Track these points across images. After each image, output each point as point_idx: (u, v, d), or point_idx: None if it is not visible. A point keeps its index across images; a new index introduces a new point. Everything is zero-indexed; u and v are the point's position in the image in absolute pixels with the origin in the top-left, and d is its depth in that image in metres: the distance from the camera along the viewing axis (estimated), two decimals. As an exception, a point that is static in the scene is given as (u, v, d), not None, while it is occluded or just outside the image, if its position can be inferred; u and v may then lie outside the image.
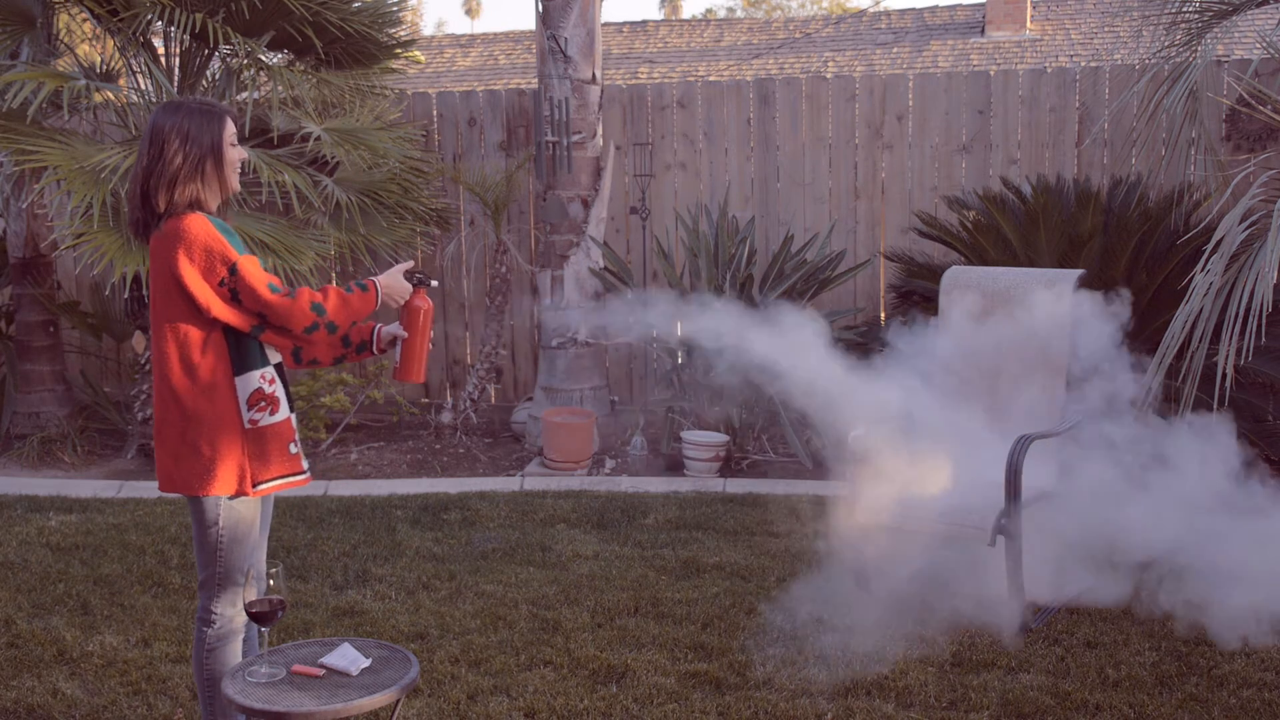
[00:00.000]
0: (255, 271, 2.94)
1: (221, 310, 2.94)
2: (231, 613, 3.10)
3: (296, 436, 3.11)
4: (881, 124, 7.36)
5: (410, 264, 3.21)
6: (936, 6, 17.43)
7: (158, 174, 2.96)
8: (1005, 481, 4.17)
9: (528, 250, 7.81)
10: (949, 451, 4.89)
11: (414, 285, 3.18)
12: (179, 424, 2.98)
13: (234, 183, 3.08)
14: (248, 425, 2.99)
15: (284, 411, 3.06)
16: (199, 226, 2.93)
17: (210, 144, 3.00)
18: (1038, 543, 4.90)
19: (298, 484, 3.12)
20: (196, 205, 2.99)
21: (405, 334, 3.17)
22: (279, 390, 3.05)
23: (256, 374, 2.99)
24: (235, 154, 3.06)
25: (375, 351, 3.25)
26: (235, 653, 3.13)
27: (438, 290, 8.02)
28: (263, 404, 3.00)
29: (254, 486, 3.01)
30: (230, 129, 3.05)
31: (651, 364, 7.38)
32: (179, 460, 3.00)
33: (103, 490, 6.30)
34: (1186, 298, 5.00)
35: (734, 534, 5.39)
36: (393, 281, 3.13)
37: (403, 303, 3.15)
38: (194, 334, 2.96)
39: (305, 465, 3.15)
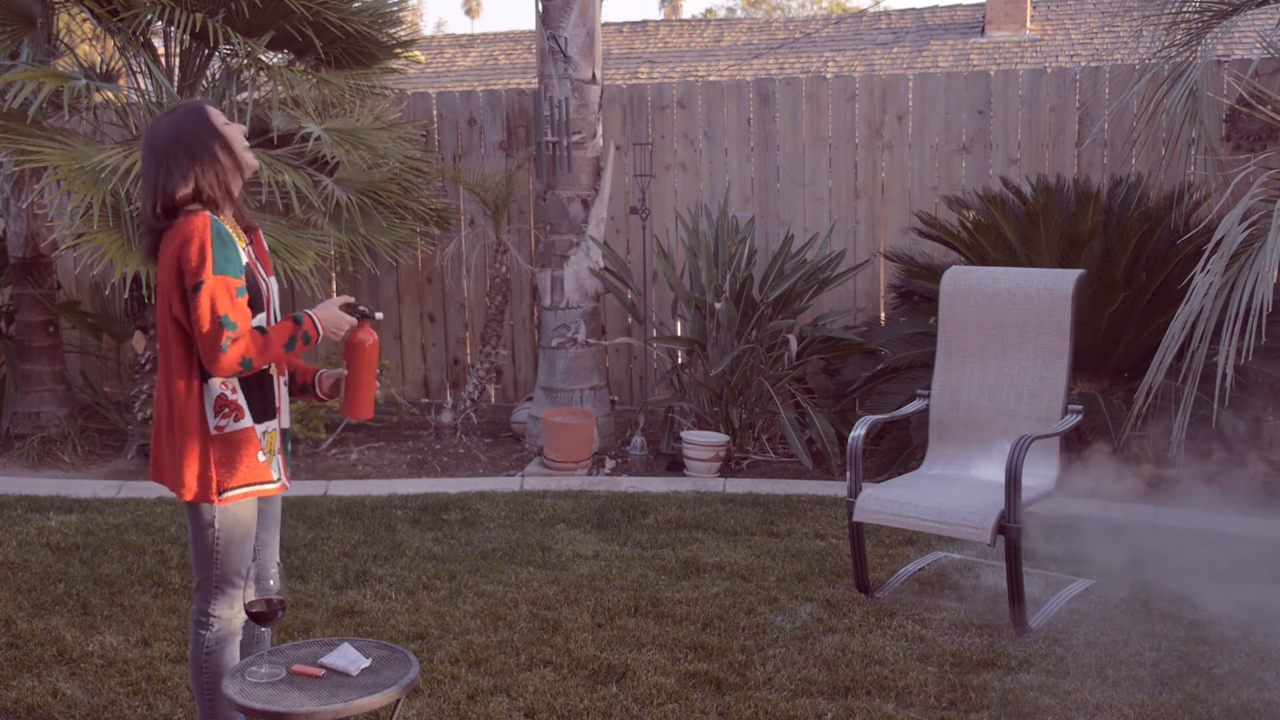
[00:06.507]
0: (223, 296, 2.86)
1: (180, 312, 2.93)
2: (229, 615, 3.07)
3: (266, 446, 3.04)
4: (881, 124, 7.36)
5: (349, 298, 3.13)
6: (936, 6, 17.44)
7: (163, 182, 2.95)
8: (1005, 480, 4.17)
9: (528, 250, 7.81)
10: (954, 449, 4.90)
11: (357, 319, 3.10)
12: (168, 423, 3.00)
13: (249, 159, 3.03)
14: (213, 431, 2.97)
15: (249, 420, 3.00)
16: (199, 228, 2.89)
17: (206, 131, 2.97)
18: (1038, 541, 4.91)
19: (266, 493, 3.05)
20: (207, 201, 2.96)
21: (346, 373, 3.11)
22: (241, 398, 2.99)
23: (219, 380, 2.96)
24: (233, 130, 3.02)
25: (319, 396, 3.22)
26: (234, 655, 3.11)
27: (438, 289, 8.02)
28: (226, 410, 2.97)
29: (219, 494, 2.97)
30: (214, 110, 3.02)
31: (651, 364, 7.39)
32: (169, 460, 3.01)
33: (103, 490, 6.30)
34: (1186, 298, 5.00)
35: (734, 534, 5.39)
36: (329, 315, 3.05)
37: (343, 337, 3.08)
38: (186, 337, 2.95)
39: (276, 475, 3.08)
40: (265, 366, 3.02)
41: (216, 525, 3.01)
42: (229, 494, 2.98)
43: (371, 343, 3.10)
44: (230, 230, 2.98)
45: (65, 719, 3.67)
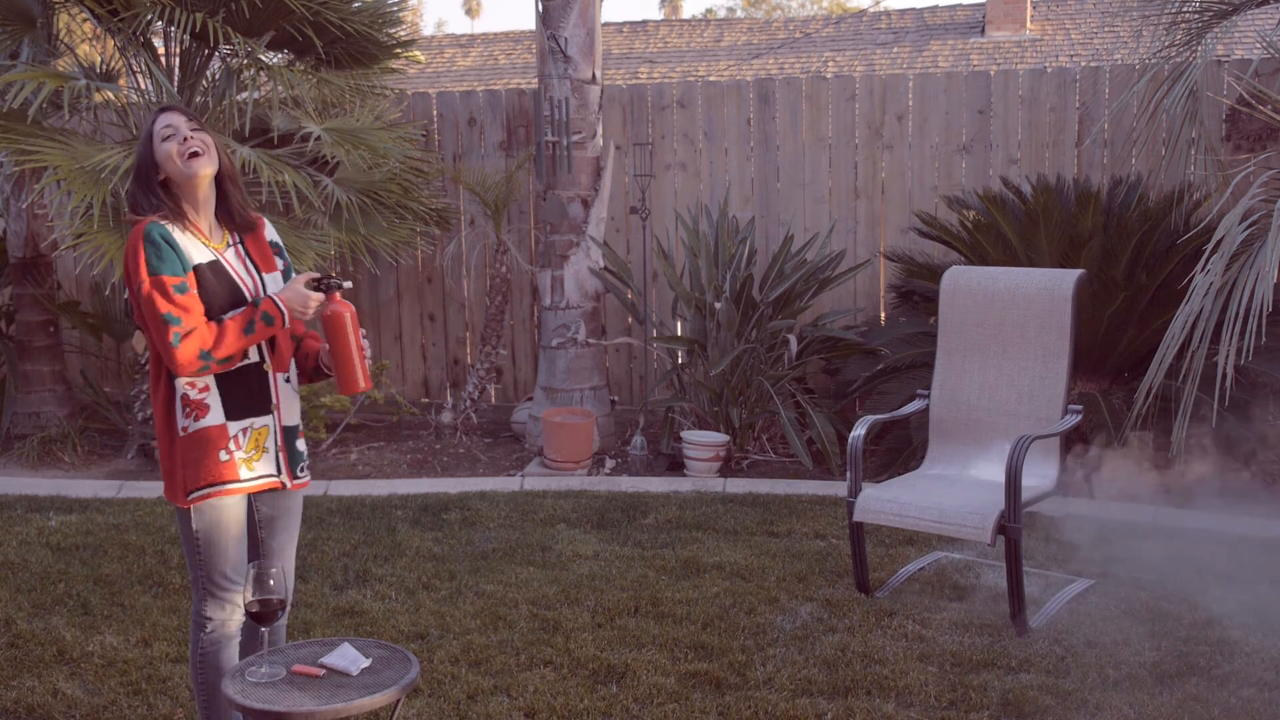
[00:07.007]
0: (158, 295, 2.84)
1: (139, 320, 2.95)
2: (222, 616, 3.06)
3: (248, 443, 3.00)
4: (881, 124, 7.36)
5: (313, 273, 3.03)
6: (936, 6, 17.44)
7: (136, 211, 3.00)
8: (1005, 480, 4.17)
9: (528, 250, 7.81)
10: (954, 449, 4.90)
11: (324, 292, 2.98)
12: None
13: (183, 168, 2.93)
14: (180, 433, 2.97)
15: (216, 417, 2.96)
16: (134, 236, 2.91)
17: (142, 153, 2.97)
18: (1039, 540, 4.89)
19: (230, 493, 2.99)
20: (151, 210, 2.96)
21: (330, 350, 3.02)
22: (211, 396, 2.96)
23: (184, 380, 2.95)
24: (168, 147, 2.93)
25: (327, 373, 3.17)
26: (232, 656, 3.10)
27: (438, 289, 8.02)
28: (189, 409, 2.96)
29: (186, 496, 2.96)
30: (161, 122, 2.96)
31: (651, 364, 7.39)
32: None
33: (103, 490, 6.30)
34: (1186, 298, 5.00)
35: (734, 534, 5.39)
36: (292, 293, 2.96)
37: (311, 315, 3.00)
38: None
39: (243, 475, 3.01)
40: (244, 359, 2.99)
41: (195, 527, 3.01)
42: (195, 495, 2.97)
43: (349, 315, 2.99)
44: (185, 233, 2.96)
45: (65, 719, 3.67)
